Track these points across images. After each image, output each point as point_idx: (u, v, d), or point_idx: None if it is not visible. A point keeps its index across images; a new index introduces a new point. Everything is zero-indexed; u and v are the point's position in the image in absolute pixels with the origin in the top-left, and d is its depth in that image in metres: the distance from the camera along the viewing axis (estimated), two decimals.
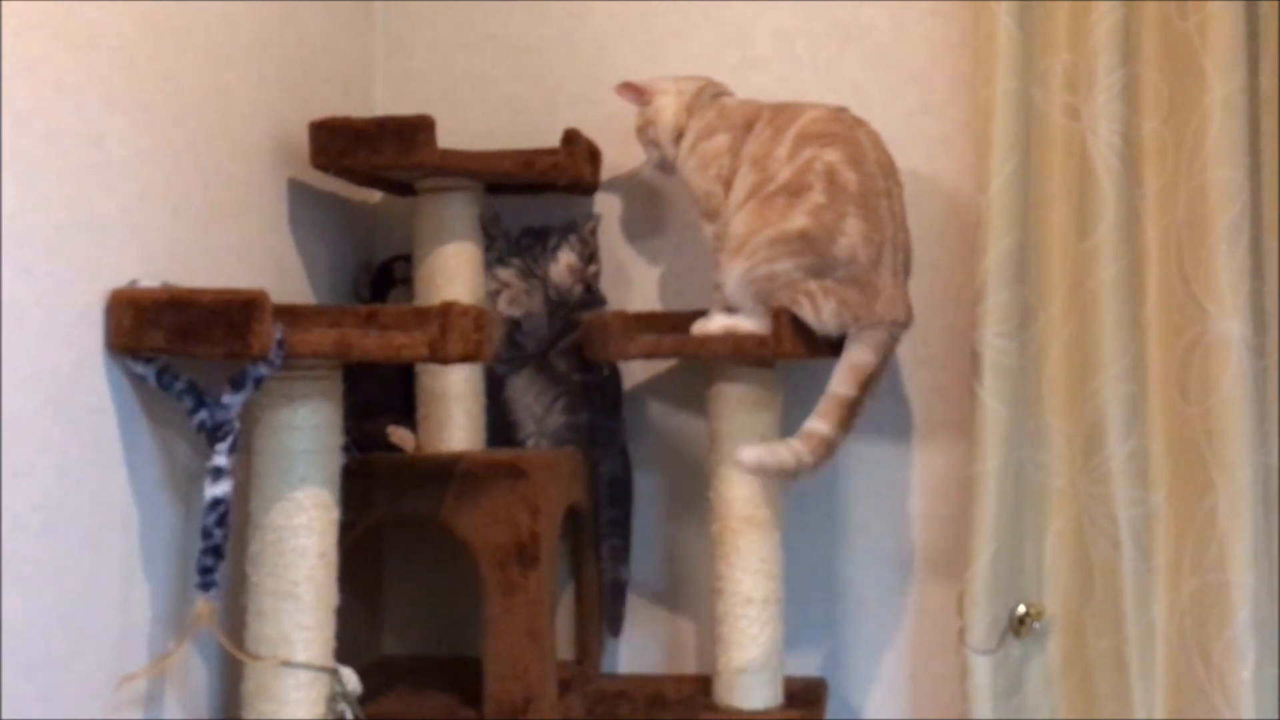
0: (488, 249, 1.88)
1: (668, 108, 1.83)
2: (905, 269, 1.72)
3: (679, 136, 1.82)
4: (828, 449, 1.67)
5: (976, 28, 1.81)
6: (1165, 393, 1.71)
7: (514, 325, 1.85)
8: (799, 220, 1.66)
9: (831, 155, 1.68)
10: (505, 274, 1.87)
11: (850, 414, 1.69)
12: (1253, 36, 1.66)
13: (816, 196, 1.67)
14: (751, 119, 1.77)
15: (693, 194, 1.81)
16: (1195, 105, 1.67)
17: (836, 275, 1.66)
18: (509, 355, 1.85)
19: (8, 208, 1.24)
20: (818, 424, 1.67)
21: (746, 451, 1.67)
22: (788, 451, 1.66)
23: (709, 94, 1.84)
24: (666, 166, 1.86)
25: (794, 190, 1.68)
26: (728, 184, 1.76)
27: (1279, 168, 1.67)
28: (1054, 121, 1.78)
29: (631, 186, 2.02)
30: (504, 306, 1.85)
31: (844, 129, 1.71)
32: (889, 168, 1.72)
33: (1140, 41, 1.73)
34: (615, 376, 1.94)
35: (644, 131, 1.85)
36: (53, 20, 1.31)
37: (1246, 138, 1.66)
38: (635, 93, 1.85)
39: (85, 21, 1.36)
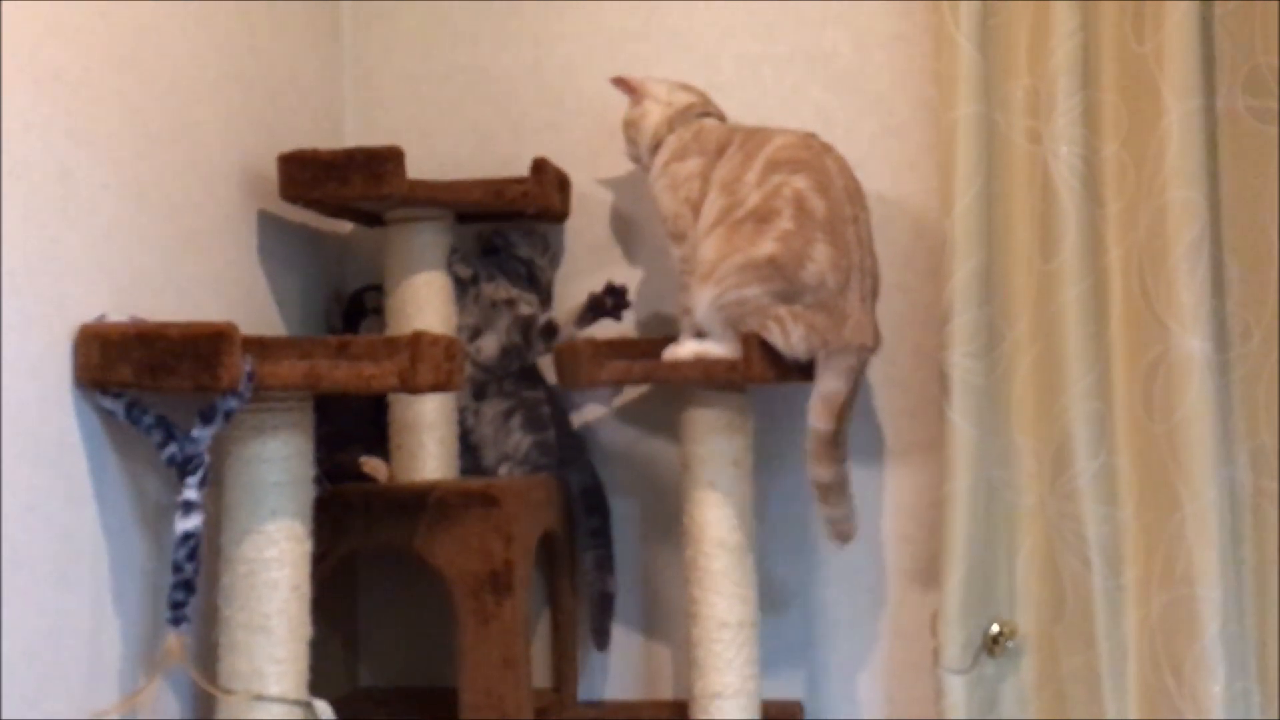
0: (470, 280, 1.89)
1: (651, 115, 1.84)
2: (873, 293, 1.74)
3: (656, 147, 1.84)
4: (842, 488, 1.75)
5: (938, 53, 1.83)
6: (1131, 410, 1.73)
7: (549, 329, 1.87)
8: (768, 246, 1.68)
9: (800, 182, 1.70)
10: (506, 289, 1.89)
11: (839, 446, 1.72)
12: (1208, 60, 1.69)
13: (785, 223, 1.68)
14: (724, 144, 1.79)
15: (660, 212, 1.82)
16: (1153, 127, 1.70)
17: (805, 301, 1.68)
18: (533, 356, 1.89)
19: None
20: (820, 472, 1.72)
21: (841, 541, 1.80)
22: (846, 526, 1.78)
23: (695, 112, 1.85)
24: (642, 166, 1.88)
25: (762, 216, 1.70)
26: (696, 208, 1.77)
27: (1237, 188, 1.70)
28: (1016, 144, 1.81)
29: (601, 214, 2.03)
30: (526, 311, 1.88)
31: (812, 156, 1.73)
32: (856, 194, 1.74)
33: (1099, 66, 1.76)
34: (553, 390, 1.95)
35: (627, 128, 1.87)
36: (18, 56, 1.31)
37: (1204, 159, 1.68)
38: (627, 89, 1.87)
39: (50, 57, 1.36)
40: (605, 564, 1.95)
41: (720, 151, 1.78)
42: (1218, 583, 1.66)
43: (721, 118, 1.88)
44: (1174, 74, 1.68)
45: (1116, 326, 1.75)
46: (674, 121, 1.83)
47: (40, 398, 1.33)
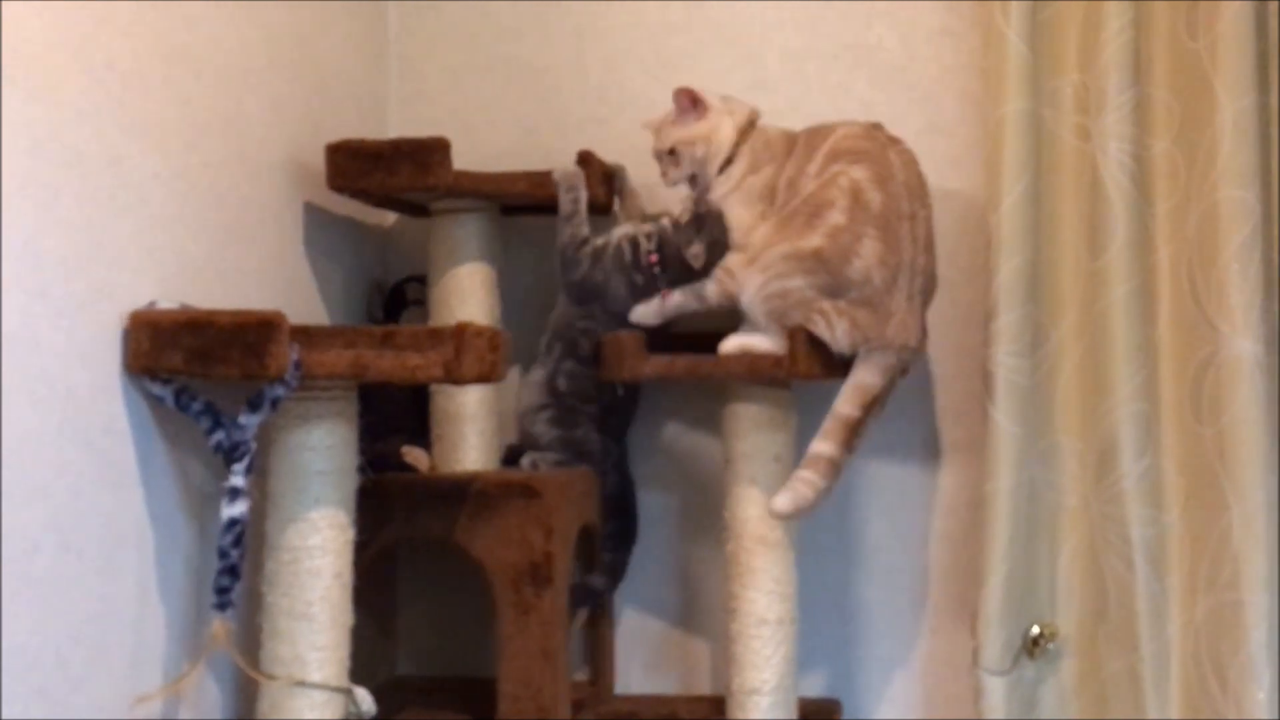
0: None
1: (723, 129, 1.77)
2: (924, 294, 1.71)
3: (728, 161, 1.77)
4: (835, 470, 1.69)
5: (986, 48, 1.82)
6: (1178, 412, 1.71)
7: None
8: (815, 240, 1.67)
9: (858, 173, 1.68)
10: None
11: (853, 434, 1.69)
12: (1263, 56, 1.67)
13: (837, 216, 1.67)
14: (791, 146, 1.76)
15: (730, 222, 1.77)
16: (1206, 125, 1.68)
17: (849, 296, 1.67)
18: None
19: (26, 231, 1.25)
20: (823, 446, 1.69)
21: (779, 502, 1.68)
22: (807, 487, 1.67)
23: (755, 120, 1.80)
24: (698, 185, 1.79)
25: (815, 207, 1.68)
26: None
27: None
28: (1065, 141, 1.79)
29: (645, 206, 2.02)
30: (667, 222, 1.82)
31: (875, 147, 1.71)
32: (918, 189, 1.71)
33: (1150, 62, 1.74)
34: (626, 399, 1.93)
35: (689, 147, 1.77)
36: (71, 46, 1.32)
37: (1258, 157, 1.66)
38: (690, 103, 1.77)
39: (103, 47, 1.38)
40: (608, 567, 1.90)
41: (789, 153, 1.75)
42: (1264, 587, 1.64)
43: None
44: (1227, 70, 1.66)
45: (1165, 327, 1.73)
46: (744, 132, 1.78)
47: (90, 384, 1.34)
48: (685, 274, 1.78)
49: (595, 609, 1.96)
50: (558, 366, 1.86)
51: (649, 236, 1.82)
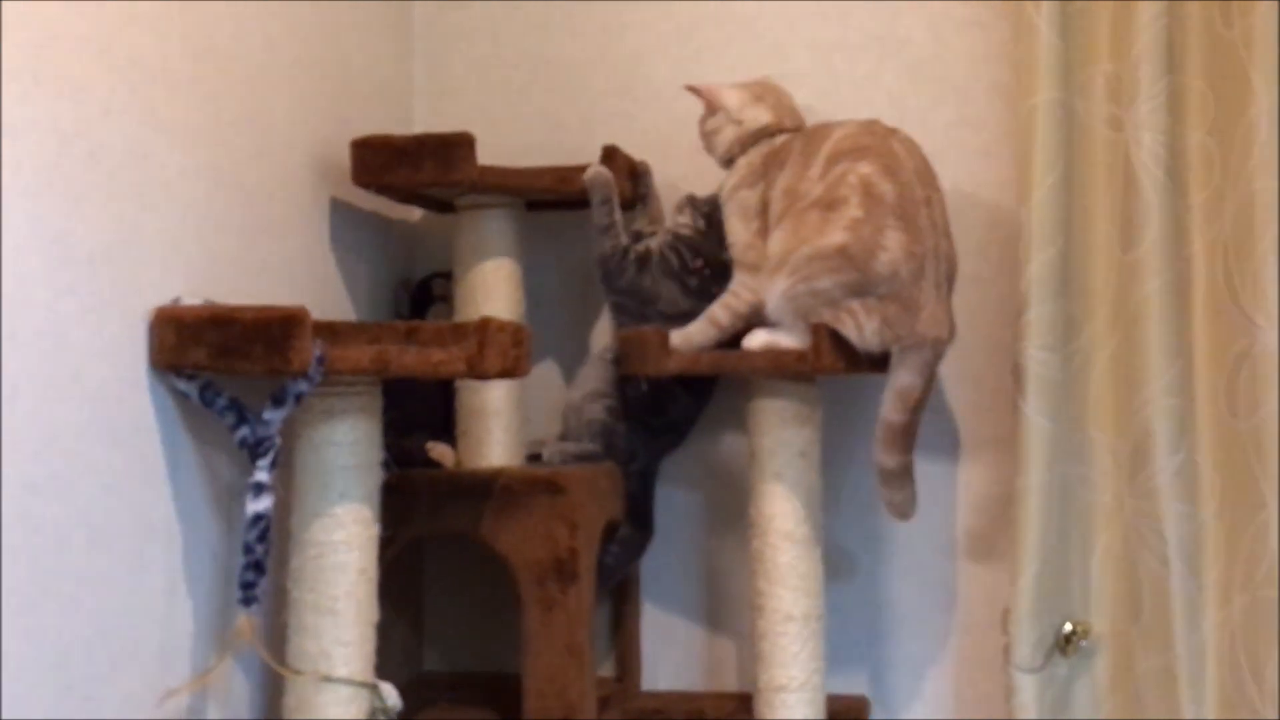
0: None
1: (723, 133, 1.79)
2: (949, 280, 1.70)
3: (729, 162, 1.80)
4: (909, 472, 1.72)
5: (1016, 38, 1.79)
6: (1213, 407, 1.68)
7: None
8: (837, 236, 1.65)
9: (865, 168, 1.66)
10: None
11: (909, 436, 1.69)
12: None
13: (853, 210, 1.65)
14: (784, 156, 1.75)
15: (729, 238, 1.78)
16: (1241, 115, 1.65)
17: (878, 292, 1.64)
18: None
19: (54, 228, 1.26)
20: (886, 459, 1.70)
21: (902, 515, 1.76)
22: (902, 497, 1.73)
23: (769, 133, 1.78)
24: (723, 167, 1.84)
25: (828, 204, 1.66)
26: (764, 235, 1.74)
27: None
28: (1096, 132, 1.76)
29: (670, 201, 2.01)
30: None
31: (876, 140, 1.69)
32: (927, 175, 1.70)
33: (1184, 51, 1.71)
34: (690, 418, 1.93)
35: (704, 137, 1.83)
36: (97, 43, 1.33)
37: None
38: (700, 97, 1.81)
39: (129, 45, 1.38)
40: (600, 570, 1.82)
41: (781, 165, 1.74)
42: None
43: (800, 126, 1.81)
44: (1264, 59, 1.62)
45: (1199, 320, 1.70)
46: (745, 143, 1.78)
47: (117, 379, 1.35)
48: (724, 272, 1.80)
49: (622, 604, 1.95)
50: (637, 378, 1.85)
51: (684, 246, 1.83)
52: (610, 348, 1.90)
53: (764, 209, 1.75)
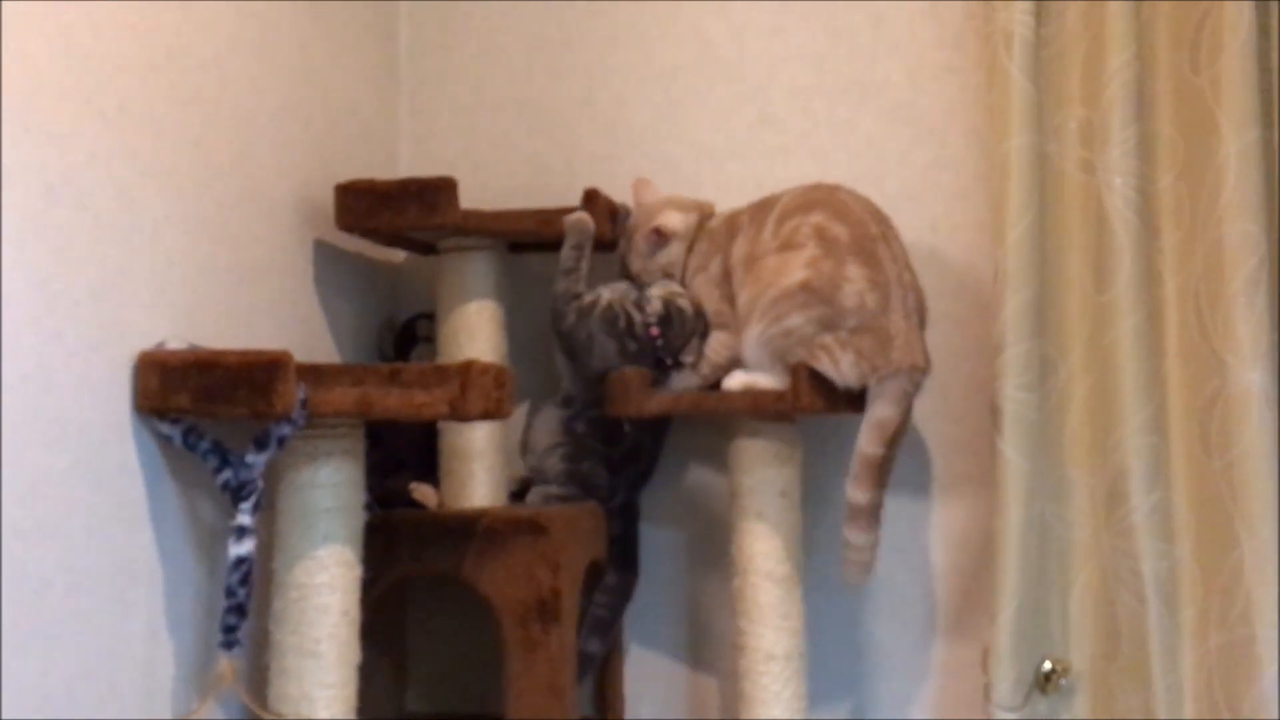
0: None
1: (673, 250, 1.84)
2: (918, 311, 1.73)
3: (682, 270, 1.85)
4: (877, 515, 1.72)
5: (990, 84, 1.82)
6: (1187, 445, 1.70)
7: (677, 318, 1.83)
8: (799, 274, 1.69)
9: (816, 217, 1.72)
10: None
11: (883, 472, 1.71)
12: (1266, 90, 1.67)
13: (811, 250, 1.69)
14: (734, 227, 1.80)
15: (703, 306, 1.83)
16: (1210, 159, 1.68)
17: (848, 325, 1.67)
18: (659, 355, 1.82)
19: (41, 273, 1.28)
20: (858, 494, 1.71)
21: (854, 580, 1.77)
22: (862, 555, 1.73)
23: (702, 223, 1.85)
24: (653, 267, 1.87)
25: (785, 249, 1.71)
26: (732, 300, 1.78)
27: None
28: (1070, 176, 1.79)
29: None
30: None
31: (822, 195, 1.75)
32: (879, 215, 1.75)
33: (1154, 97, 1.74)
34: (645, 450, 1.94)
35: (659, 267, 1.86)
36: (84, 91, 1.35)
37: (1263, 190, 1.66)
38: (658, 237, 1.84)
39: (116, 92, 1.40)
40: (599, 624, 1.86)
41: (732, 236, 1.80)
42: (1277, 622, 1.62)
43: (711, 212, 1.87)
44: (1231, 105, 1.66)
45: (1172, 360, 1.72)
46: (690, 242, 1.84)
47: (101, 422, 1.36)
48: (679, 352, 1.81)
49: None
50: (581, 412, 1.88)
51: (643, 306, 1.81)
52: (559, 394, 1.90)
53: (726, 276, 1.79)
